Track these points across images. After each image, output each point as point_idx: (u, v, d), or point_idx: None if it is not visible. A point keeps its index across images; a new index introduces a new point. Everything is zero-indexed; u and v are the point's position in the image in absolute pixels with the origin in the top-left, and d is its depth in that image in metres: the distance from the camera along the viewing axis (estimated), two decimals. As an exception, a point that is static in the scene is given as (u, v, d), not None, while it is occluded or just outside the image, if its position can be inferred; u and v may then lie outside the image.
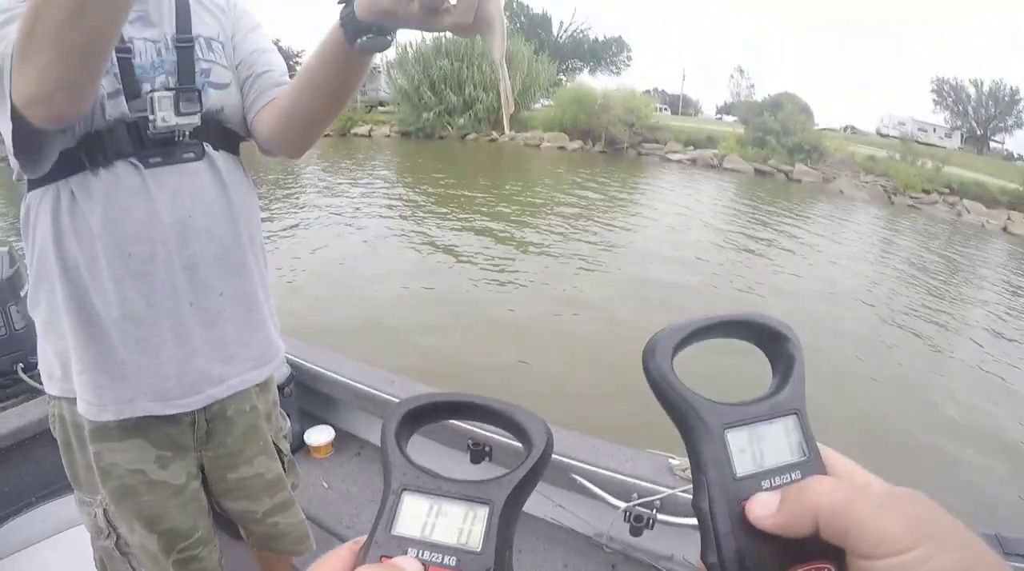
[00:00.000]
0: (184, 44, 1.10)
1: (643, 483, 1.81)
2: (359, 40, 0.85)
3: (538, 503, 2.05)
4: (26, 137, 0.90)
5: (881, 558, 0.27)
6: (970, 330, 9.37)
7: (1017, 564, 1.46)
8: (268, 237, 9.79)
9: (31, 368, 2.09)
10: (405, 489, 0.36)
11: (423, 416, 0.41)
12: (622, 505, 1.78)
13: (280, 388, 2.23)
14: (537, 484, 0.37)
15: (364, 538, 0.33)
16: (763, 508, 0.32)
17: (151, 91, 1.03)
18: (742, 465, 0.35)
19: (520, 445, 0.41)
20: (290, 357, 2.42)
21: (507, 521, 0.35)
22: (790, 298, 9.42)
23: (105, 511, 1.19)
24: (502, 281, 8.90)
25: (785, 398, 0.37)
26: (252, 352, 1.23)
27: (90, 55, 0.81)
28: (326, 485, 2.28)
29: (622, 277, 9.51)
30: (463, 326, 7.04)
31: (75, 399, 1.10)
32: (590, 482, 1.85)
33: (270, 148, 1.17)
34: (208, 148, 1.13)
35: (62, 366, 1.11)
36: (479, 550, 0.33)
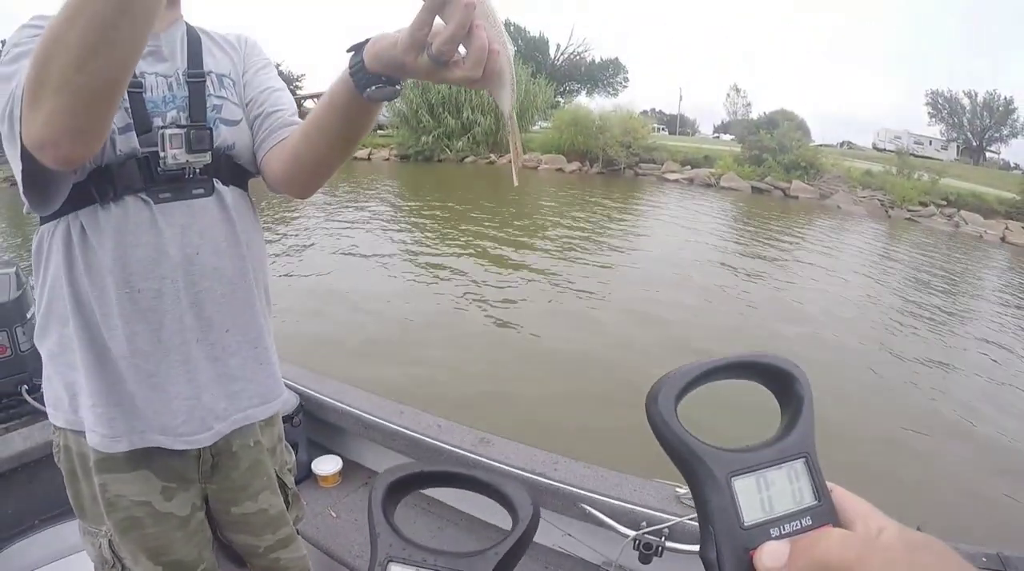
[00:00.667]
0: (195, 79, 1.11)
1: (651, 512, 1.82)
2: (368, 89, 0.86)
3: (547, 532, 2.02)
4: (36, 176, 0.91)
5: None
6: (973, 342, 9.34)
7: None
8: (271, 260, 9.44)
9: (35, 390, 2.05)
10: (391, 560, 0.36)
11: (410, 484, 0.42)
12: (631, 533, 1.76)
13: (289, 417, 2.26)
14: (524, 555, 0.37)
15: None
16: (772, 559, 0.32)
17: (162, 127, 1.04)
18: (750, 513, 0.34)
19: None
20: (298, 387, 2.43)
21: None
22: (790, 316, 9.39)
23: (110, 542, 1.18)
24: (503, 302, 8.93)
25: (793, 441, 0.36)
26: (258, 388, 1.22)
27: (99, 101, 0.81)
28: (334, 514, 2.27)
29: (624, 300, 9.48)
30: (466, 350, 7.05)
31: (82, 431, 1.10)
32: (598, 511, 1.84)
33: (278, 188, 1.17)
34: (218, 184, 1.13)
35: (70, 398, 1.11)
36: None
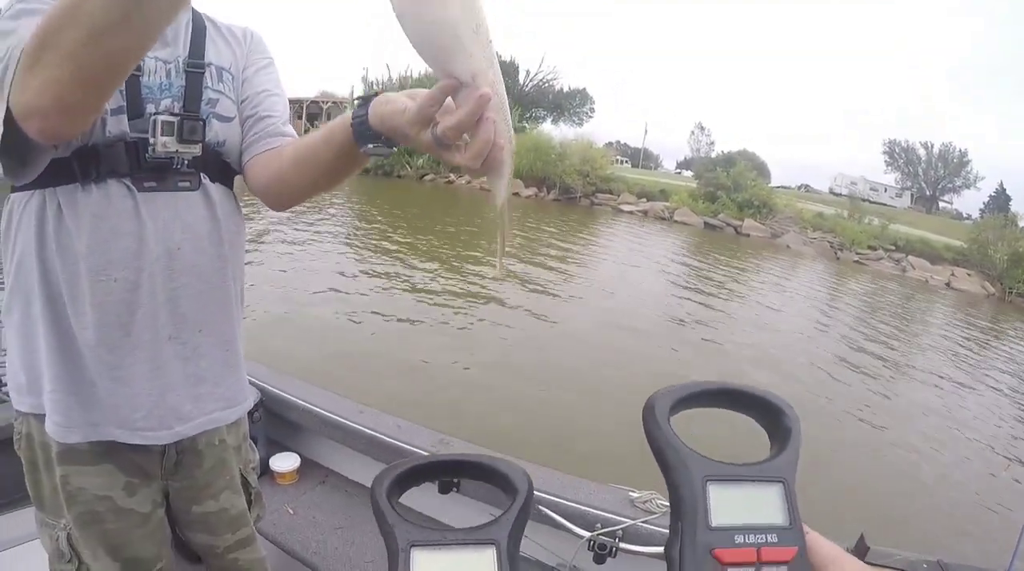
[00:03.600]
0: (195, 70, 1.08)
1: (606, 514, 1.82)
2: (367, 146, 0.86)
3: None
4: (15, 143, 0.85)
5: None
6: (913, 379, 9.72)
7: None
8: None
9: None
10: (413, 545, 0.38)
11: (411, 478, 0.46)
12: (586, 534, 1.79)
13: (249, 414, 2.17)
14: (527, 520, 0.41)
15: None
16: None
17: (155, 114, 1.00)
18: (718, 517, 0.35)
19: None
20: (258, 383, 2.40)
21: (512, 556, 0.38)
22: (731, 353, 9.48)
23: (69, 535, 1.13)
24: (458, 313, 9.14)
25: (775, 467, 0.38)
26: (225, 392, 1.20)
27: (102, 81, 0.77)
28: (291, 511, 2.22)
29: (574, 323, 9.64)
30: (423, 360, 7.10)
31: (43, 416, 1.05)
32: (555, 513, 1.86)
33: (256, 193, 1.15)
34: (205, 179, 1.10)
35: (30, 381, 1.07)
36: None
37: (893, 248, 27.43)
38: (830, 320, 13.53)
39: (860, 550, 1.58)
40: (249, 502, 1.37)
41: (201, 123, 1.05)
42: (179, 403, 1.11)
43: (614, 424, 5.85)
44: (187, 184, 1.07)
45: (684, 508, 0.36)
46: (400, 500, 0.44)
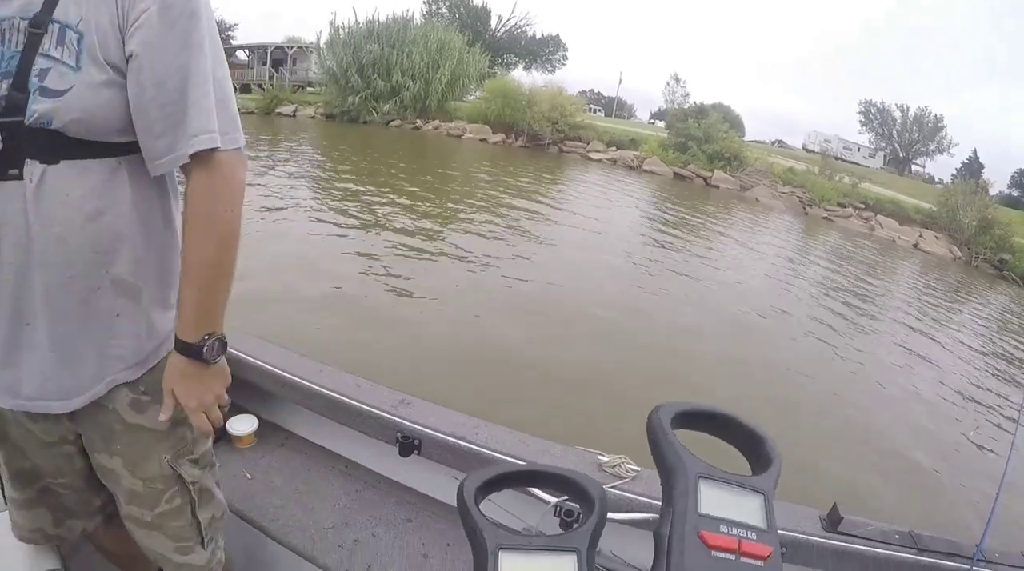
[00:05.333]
0: (35, 30, 0.96)
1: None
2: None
3: None
4: None
5: None
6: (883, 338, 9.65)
7: (933, 560, 1.53)
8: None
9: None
10: (501, 548, 0.41)
11: (497, 484, 0.49)
12: (552, 500, 1.49)
13: None
14: (603, 530, 0.44)
15: None
16: None
17: None
18: (707, 506, 0.40)
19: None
20: None
21: (591, 563, 0.42)
22: (701, 303, 9.34)
23: None
24: (411, 270, 8.70)
25: (759, 481, 0.43)
26: (54, 386, 1.13)
27: None
28: (249, 476, 2.15)
29: (537, 271, 9.41)
30: (382, 314, 7.01)
31: None
32: None
33: None
34: (33, 165, 0.98)
35: None
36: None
37: (862, 206, 27.13)
38: (795, 272, 13.38)
39: (833, 519, 1.58)
40: (192, 502, 1.33)
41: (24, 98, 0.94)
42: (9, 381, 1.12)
43: (582, 384, 5.89)
44: (15, 172, 0.98)
45: (676, 495, 0.40)
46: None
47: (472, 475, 0.46)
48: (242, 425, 2.33)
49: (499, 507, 1.92)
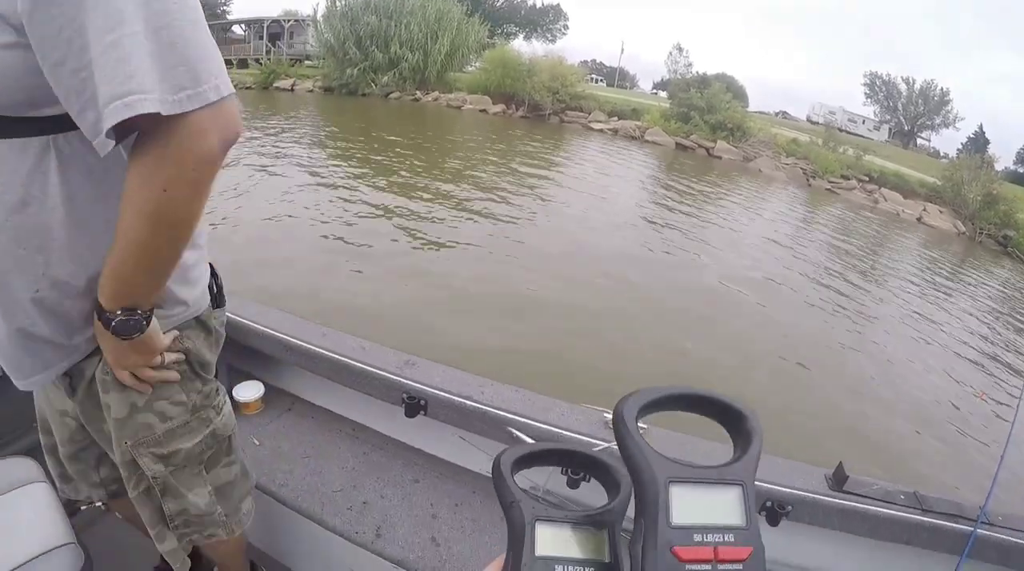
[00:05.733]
0: None
1: (579, 436, 1.76)
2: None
3: (474, 457, 2.07)
4: None
5: None
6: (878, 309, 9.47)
7: (936, 521, 1.54)
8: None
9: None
10: (538, 520, 0.42)
11: (534, 459, 0.50)
12: None
13: None
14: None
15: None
16: None
17: None
18: (679, 515, 0.38)
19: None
20: None
21: (618, 540, 0.43)
22: (704, 270, 9.20)
23: None
24: (426, 231, 8.79)
25: (735, 470, 0.41)
26: (15, 365, 1.08)
27: None
28: (257, 442, 2.16)
29: (543, 237, 9.37)
30: (388, 278, 7.02)
31: None
32: (526, 435, 1.79)
33: None
34: None
35: None
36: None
37: (866, 178, 26.86)
38: (798, 240, 13.25)
39: (839, 478, 1.59)
40: (154, 492, 1.24)
41: None
42: None
43: (587, 343, 5.90)
44: None
45: (647, 507, 0.38)
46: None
47: (510, 450, 0.47)
48: (248, 391, 2.34)
49: None
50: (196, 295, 1.15)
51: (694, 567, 0.36)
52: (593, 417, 1.87)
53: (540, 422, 1.82)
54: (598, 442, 1.75)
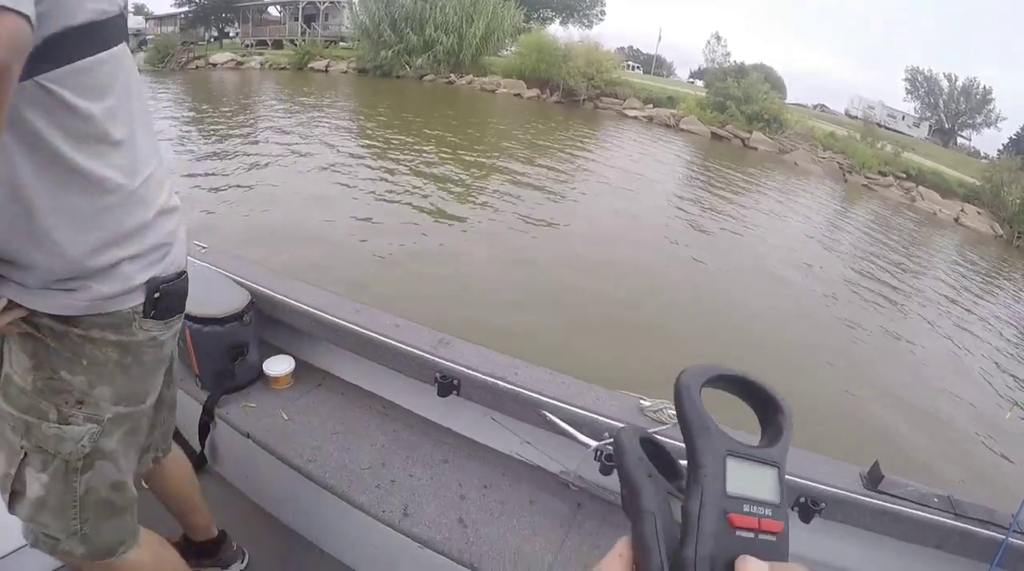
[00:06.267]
0: None
1: (614, 422, 1.76)
2: None
3: (505, 439, 2.07)
4: None
5: None
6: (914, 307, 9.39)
7: (968, 527, 1.53)
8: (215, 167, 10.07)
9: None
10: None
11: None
12: (593, 443, 1.72)
13: (239, 316, 2.16)
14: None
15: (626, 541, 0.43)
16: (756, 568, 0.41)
17: None
18: (733, 486, 0.42)
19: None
20: (248, 283, 2.31)
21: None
22: (740, 259, 9.17)
23: None
24: (459, 209, 8.92)
25: (774, 452, 0.45)
26: None
27: None
28: (285, 417, 2.16)
29: (578, 221, 9.34)
30: (424, 258, 7.04)
31: None
32: (561, 420, 1.78)
33: None
34: None
35: None
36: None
37: (904, 176, 26.35)
38: (833, 236, 13.13)
39: (874, 477, 1.60)
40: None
41: None
42: None
43: (623, 329, 5.93)
44: None
45: (705, 472, 0.42)
46: None
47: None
48: (278, 365, 2.32)
49: (540, 451, 2.04)
50: (102, 289, 1.06)
51: (742, 533, 0.41)
52: (627, 403, 1.86)
53: (574, 406, 1.81)
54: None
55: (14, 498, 1.16)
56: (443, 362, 1.96)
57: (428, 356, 1.98)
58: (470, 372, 1.93)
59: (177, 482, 1.66)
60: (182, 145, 11.87)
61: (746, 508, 0.41)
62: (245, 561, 1.94)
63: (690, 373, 0.45)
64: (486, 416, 2.05)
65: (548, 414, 1.81)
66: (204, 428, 2.20)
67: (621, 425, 1.64)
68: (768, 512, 0.42)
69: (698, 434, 0.43)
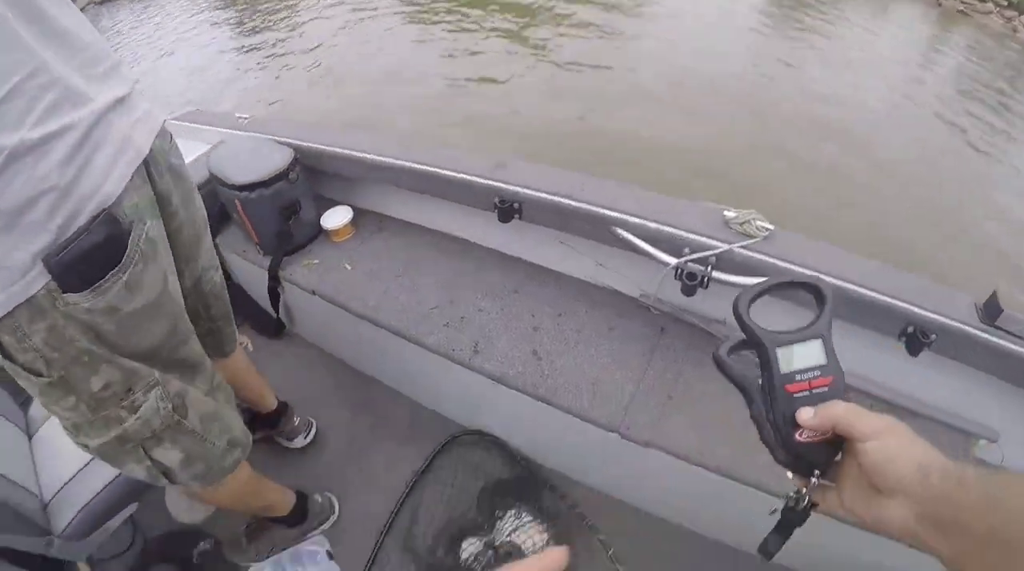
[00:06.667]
0: None
1: (696, 237, 1.62)
2: None
3: (576, 261, 1.99)
4: None
5: (867, 441, 0.51)
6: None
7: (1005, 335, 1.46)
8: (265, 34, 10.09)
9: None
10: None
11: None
12: (672, 261, 1.62)
13: (284, 174, 2.08)
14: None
15: None
16: (806, 415, 0.56)
17: None
18: (784, 366, 0.58)
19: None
20: (290, 140, 2.20)
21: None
22: (817, 93, 8.34)
23: None
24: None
25: (816, 329, 0.59)
26: None
27: None
28: (349, 267, 2.13)
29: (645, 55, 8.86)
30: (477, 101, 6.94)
31: None
32: (636, 237, 1.66)
33: None
34: None
35: None
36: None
37: (1005, 3, 22.78)
38: (924, 68, 11.84)
39: (992, 310, 1.40)
40: None
41: None
42: None
43: (702, 135, 5.80)
44: None
45: (767, 366, 0.58)
46: None
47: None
48: (335, 217, 2.26)
49: (616, 273, 1.96)
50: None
51: (798, 394, 0.57)
52: (710, 215, 1.69)
53: (650, 220, 1.66)
54: (718, 243, 1.59)
55: (169, 476, 1.24)
56: (502, 186, 1.84)
57: (484, 181, 1.86)
58: (531, 193, 1.80)
59: (233, 363, 1.67)
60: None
61: (798, 377, 0.57)
62: (310, 435, 2.03)
63: (739, 298, 0.60)
64: (554, 239, 1.93)
65: (622, 231, 1.68)
66: (274, 294, 2.19)
67: (702, 239, 1.61)
68: (817, 373, 0.57)
69: (755, 343, 0.59)
